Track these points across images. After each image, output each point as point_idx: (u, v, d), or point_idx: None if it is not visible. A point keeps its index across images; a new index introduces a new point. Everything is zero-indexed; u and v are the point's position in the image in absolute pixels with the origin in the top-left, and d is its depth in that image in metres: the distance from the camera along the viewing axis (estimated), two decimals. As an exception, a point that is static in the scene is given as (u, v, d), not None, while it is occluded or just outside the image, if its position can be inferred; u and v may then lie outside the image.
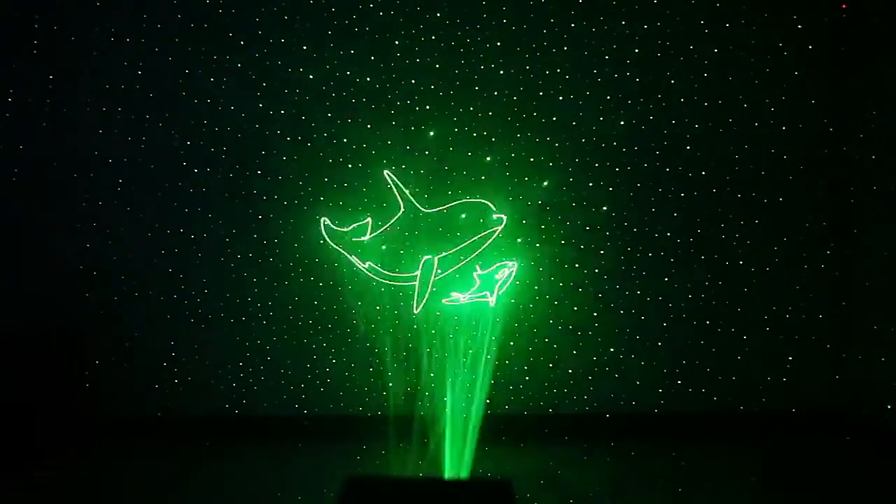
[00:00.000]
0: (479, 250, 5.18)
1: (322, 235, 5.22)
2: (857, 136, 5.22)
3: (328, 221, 5.18)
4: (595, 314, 5.37)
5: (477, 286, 5.18)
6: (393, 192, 5.17)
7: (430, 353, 5.32)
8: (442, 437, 5.14)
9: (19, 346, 4.94)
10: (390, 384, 5.34)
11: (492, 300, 5.19)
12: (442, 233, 5.19)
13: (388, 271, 5.19)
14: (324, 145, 5.29)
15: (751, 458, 4.83)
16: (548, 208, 5.32)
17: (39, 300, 5.27)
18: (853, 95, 5.25)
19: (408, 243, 5.21)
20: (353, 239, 5.17)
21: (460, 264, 5.16)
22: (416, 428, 5.20)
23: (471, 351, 5.32)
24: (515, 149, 5.29)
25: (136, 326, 5.33)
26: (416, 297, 5.17)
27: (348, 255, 5.19)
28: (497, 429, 5.28)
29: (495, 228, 5.14)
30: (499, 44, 5.28)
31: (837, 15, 5.32)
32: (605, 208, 5.34)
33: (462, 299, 5.20)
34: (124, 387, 5.33)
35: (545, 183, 5.30)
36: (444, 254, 5.16)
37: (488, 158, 5.28)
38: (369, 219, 5.19)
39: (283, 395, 5.36)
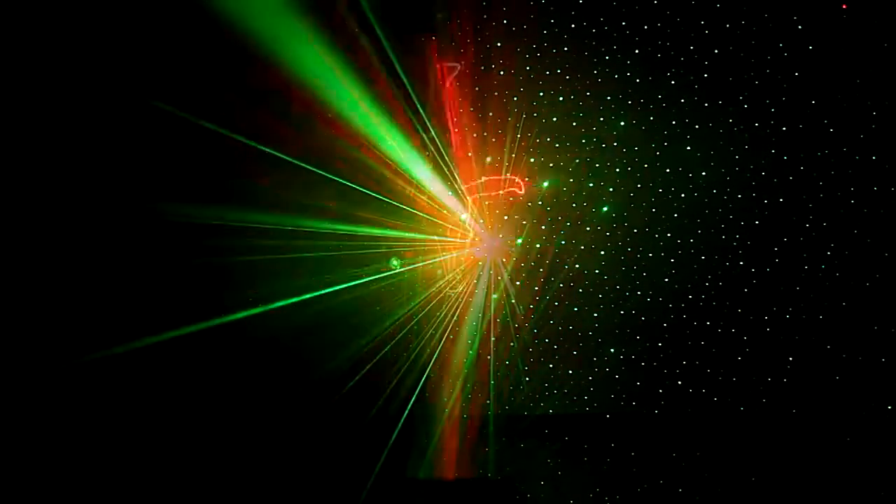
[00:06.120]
0: None
1: None
2: (857, 136, 5.21)
3: None
4: (595, 314, 5.38)
5: None
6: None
7: (429, 353, 5.34)
8: (442, 437, 5.16)
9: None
10: (391, 384, 5.35)
11: None
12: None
13: None
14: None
15: (750, 458, 4.84)
16: (548, 208, 5.33)
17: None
18: (853, 95, 5.24)
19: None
20: None
21: None
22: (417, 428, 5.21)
23: (471, 352, 5.33)
24: (515, 150, 5.30)
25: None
26: None
27: None
28: (497, 429, 5.29)
29: None
30: (499, 44, 5.29)
31: (837, 15, 5.30)
32: (605, 209, 5.34)
33: None
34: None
35: (545, 184, 5.31)
36: None
37: (488, 159, 5.29)
38: None
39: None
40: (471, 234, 5.33)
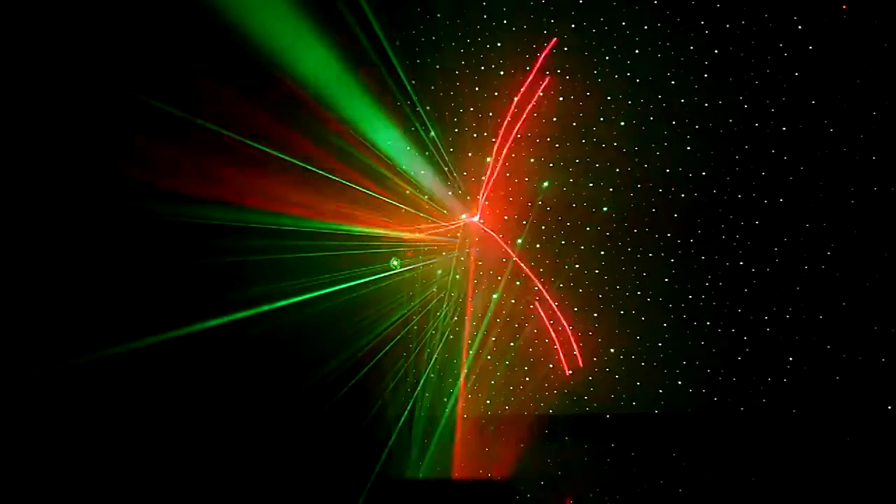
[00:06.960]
0: None
1: None
2: (857, 136, 5.21)
3: None
4: (596, 314, 5.37)
5: None
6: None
7: (430, 354, 5.34)
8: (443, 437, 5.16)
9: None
10: (392, 384, 5.35)
11: None
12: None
13: None
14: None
15: (751, 458, 4.84)
16: (548, 209, 5.33)
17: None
18: (853, 95, 5.24)
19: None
20: None
21: None
22: (417, 428, 5.21)
23: (471, 352, 5.33)
24: (516, 149, 5.30)
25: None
26: None
27: None
28: (497, 429, 5.28)
29: None
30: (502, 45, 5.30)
31: (837, 15, 5.30)
32: (605, 209, 5.35)
33: None
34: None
35: (545, 184, 5.32)
36: None
37: (488, 159, 5.30)
38: None
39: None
40: (471, 233, 5.33)
